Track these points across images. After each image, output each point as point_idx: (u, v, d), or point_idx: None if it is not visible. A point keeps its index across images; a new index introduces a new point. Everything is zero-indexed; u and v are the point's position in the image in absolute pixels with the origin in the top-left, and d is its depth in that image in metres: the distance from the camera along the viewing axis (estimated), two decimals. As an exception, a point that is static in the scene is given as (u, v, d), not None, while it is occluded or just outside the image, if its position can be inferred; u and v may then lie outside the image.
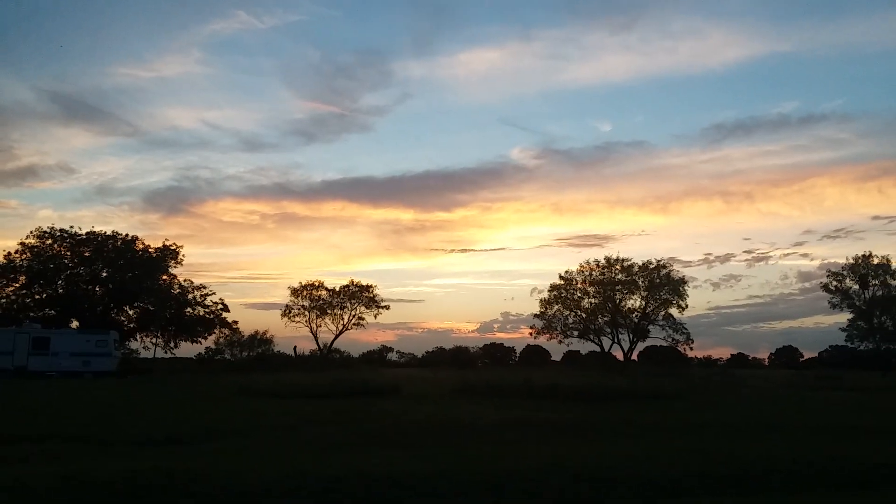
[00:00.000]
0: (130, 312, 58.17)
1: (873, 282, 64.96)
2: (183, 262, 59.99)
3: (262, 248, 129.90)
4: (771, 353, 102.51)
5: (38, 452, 12.74)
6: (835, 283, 66.76)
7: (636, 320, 62.56)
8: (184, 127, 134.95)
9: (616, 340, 63.78)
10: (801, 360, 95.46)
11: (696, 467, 10.22)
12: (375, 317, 70.03)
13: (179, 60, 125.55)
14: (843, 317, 67.46)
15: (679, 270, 65.19)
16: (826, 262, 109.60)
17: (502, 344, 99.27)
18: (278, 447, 13.87)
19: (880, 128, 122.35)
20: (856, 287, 65.92)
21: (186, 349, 60.43)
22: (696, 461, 10.85)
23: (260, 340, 62.57)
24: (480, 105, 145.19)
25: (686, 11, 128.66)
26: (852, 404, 27.42)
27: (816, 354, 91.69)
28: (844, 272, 66.34)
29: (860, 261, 65.24)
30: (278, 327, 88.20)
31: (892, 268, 64.42)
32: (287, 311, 68.71)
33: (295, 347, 68.71)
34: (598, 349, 65.69)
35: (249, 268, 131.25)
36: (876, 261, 64.76)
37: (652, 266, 62.09)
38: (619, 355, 64.84)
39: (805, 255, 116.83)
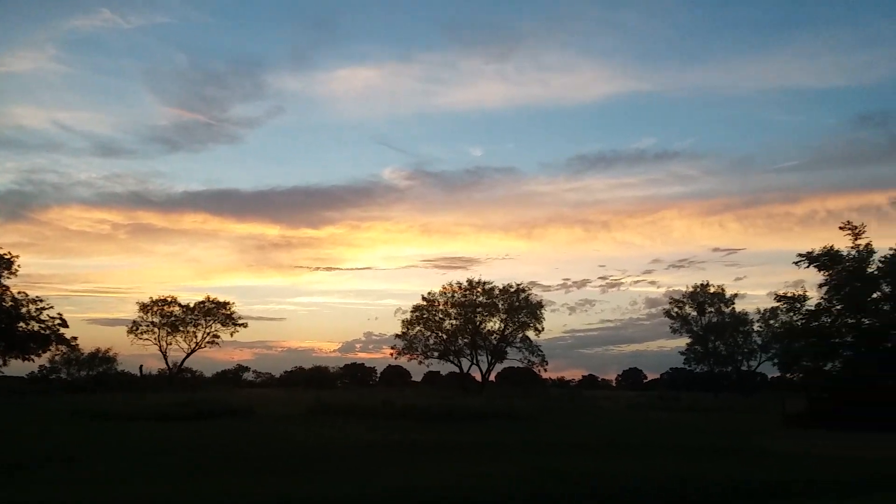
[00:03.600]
0: (-48, 326, 52.42)
1: (709, 309, 70.23)
2: (18, 273, 54.90)
3: (111, 260, 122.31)
4: (618, 375, 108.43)
5: None
6: (676, 309, 71.57)
7: (495, 342, 64.00)
8: (31, 127, 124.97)
9: (475, 362, 64.99)
10: (645, 381, 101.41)
11: (547, 487, 10.39)
12: (232, 335, 67.70)
13: (32, 56, 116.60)
14: (683, 341, 72.41)
15: (538, 294, 67.72)
16: (671, 289, 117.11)
17: (363, 364, 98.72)
18: (113, 474, 12.80)
19: (724, 167, 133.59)
20: (694, 313, 71.02)
21: (17, 367, 55.46)
22: (546, 481, 11.04)
23: (101, 359, 58.58)
24: (355, 123, 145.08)
25: (560, 46, 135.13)
26: (690, 424, 29.28)
27: (658, 376, 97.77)
28: (685, 299, 71.33)
29: (698, 289, 70.40)
30: (124, 345, 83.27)
31: (726, 297, 70.03)
32: (134, 328, 64.77)
33: (141, 367, 64.84)
34: (457, 370, 66.68)
35: (96, 281, 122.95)
36: (713, 290, 70.13)
37: (512, 289, 63.93)
38: (478, 376, 66.14)
39: (653, 283, 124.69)
